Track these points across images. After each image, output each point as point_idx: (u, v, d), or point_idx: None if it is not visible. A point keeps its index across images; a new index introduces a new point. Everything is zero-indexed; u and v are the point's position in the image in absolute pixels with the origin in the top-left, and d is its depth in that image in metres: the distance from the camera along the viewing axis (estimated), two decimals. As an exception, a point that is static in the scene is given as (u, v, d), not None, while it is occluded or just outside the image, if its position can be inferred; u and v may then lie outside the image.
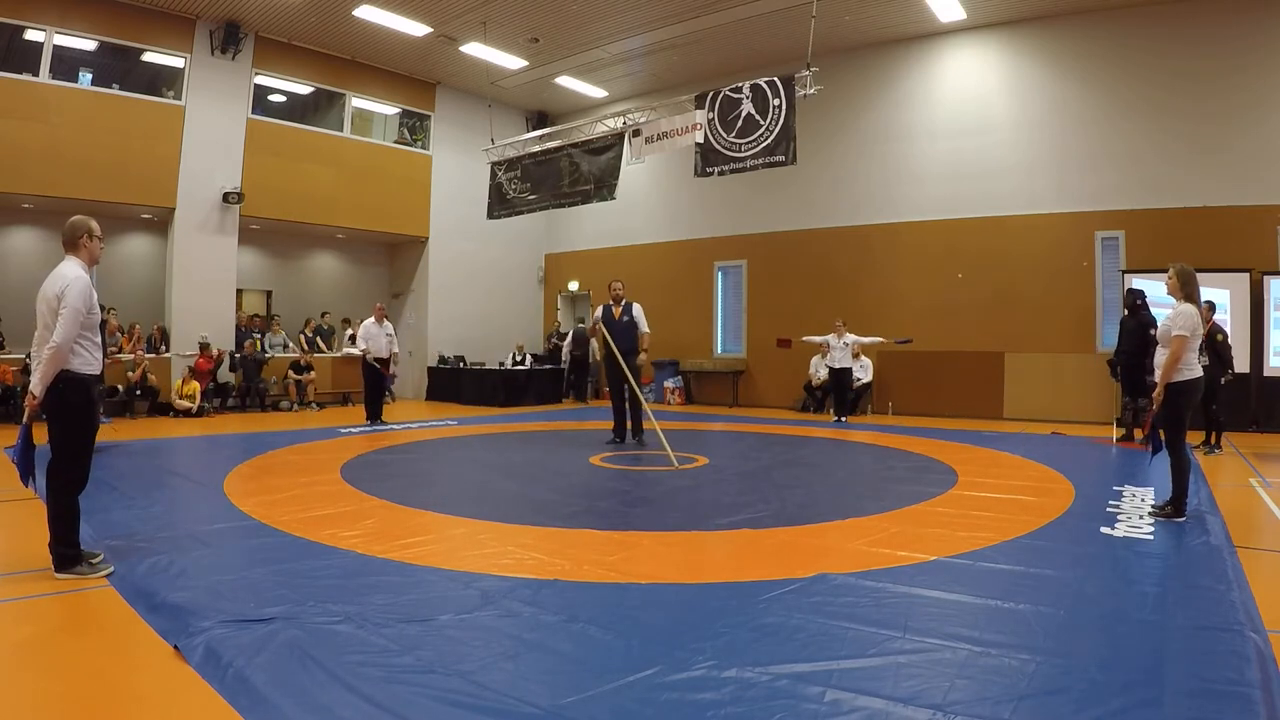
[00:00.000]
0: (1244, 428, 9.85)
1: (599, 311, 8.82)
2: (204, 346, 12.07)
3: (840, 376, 11.60)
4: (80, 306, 3.57)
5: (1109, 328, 11.16)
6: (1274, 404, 10.07)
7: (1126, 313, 8.91)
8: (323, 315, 14.77)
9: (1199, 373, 4.98)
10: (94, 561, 3.69)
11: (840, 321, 11.71)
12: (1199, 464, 7.23)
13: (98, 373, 3.73)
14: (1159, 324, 5.14)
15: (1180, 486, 4.96)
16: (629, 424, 8.72)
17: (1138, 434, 8.73)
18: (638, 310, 8.76)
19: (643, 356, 8.74)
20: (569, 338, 15.55)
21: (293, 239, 15.14)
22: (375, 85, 14.46)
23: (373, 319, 10.57)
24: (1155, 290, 9.95)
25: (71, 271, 3.66)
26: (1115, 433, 9.53)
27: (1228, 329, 9.43)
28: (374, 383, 10.65)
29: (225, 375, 12.41)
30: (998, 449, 8.31)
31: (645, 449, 8.20)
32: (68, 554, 3.61)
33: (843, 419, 11.37)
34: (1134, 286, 9.19)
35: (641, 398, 8.56)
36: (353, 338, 13.46)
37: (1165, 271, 5.17)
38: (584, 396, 15.60)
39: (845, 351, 11.56)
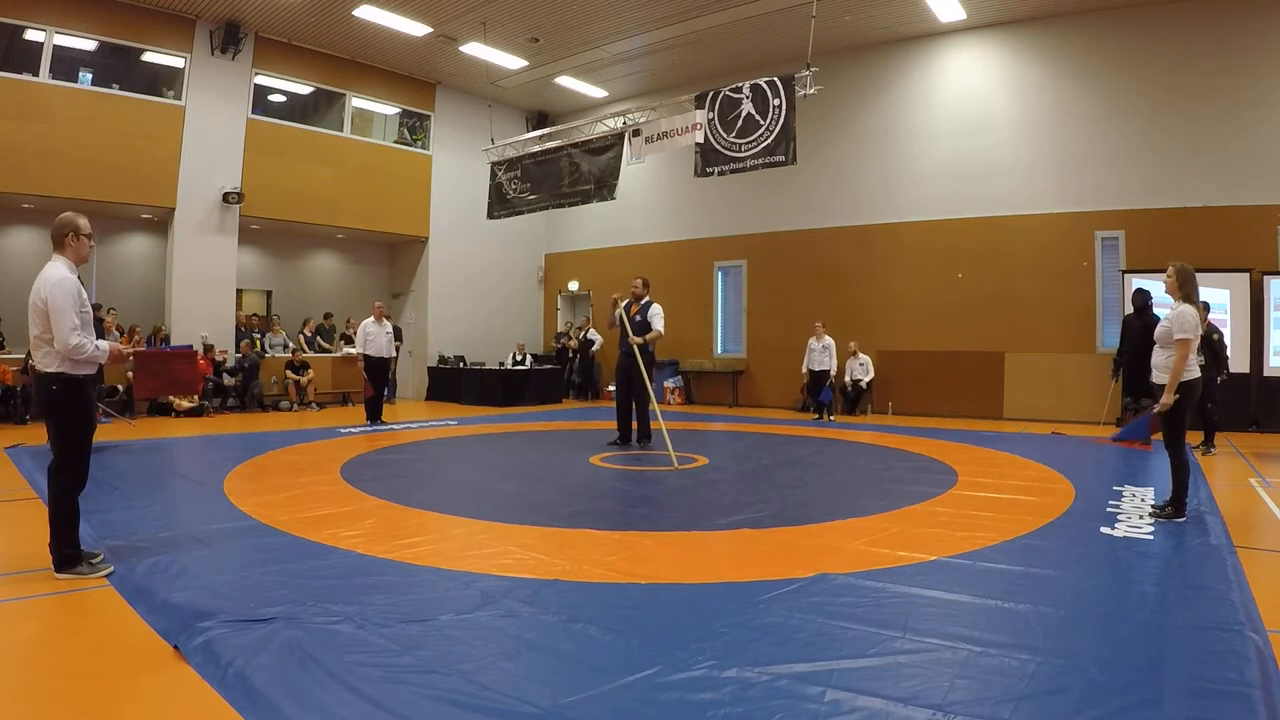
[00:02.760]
0: (1244, 428, 9.85)
1: (622, 305, 8.36)
2: (208, 348, 12.07)
3: (819, 379, 11.83)
4: (66, 307, 3.53)
5: (1109, 328, 11.16)
6: (1274, 404, 10.07)
7: (1133, 312, 8.91)
8: (326, 317, 14.74)
9: (1198, 373, 4.99)
10: (94, 561, 3.69)
11: (819, 323, 11.88)
12: (1199, 464, 7.23)
13: (92, 373, 3.73)
14: (1160, 325, 5.12)
15: (1180, 486, 4.95)
16: (634, 425, 8.48)
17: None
18: (654, 309, 8.42)
19: (637, 340, 8.11)
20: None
21: (293, 239, 15.13)
22: (375, 85, 14.46)
23: (372, 319, 10.53)
24: (1155, 290, 9.96)
25: (56, 273, 3.61)
26: (1115, 433, 9.50)
27: (1227, 329, 9.44)
28: (375, 384, 10.61)
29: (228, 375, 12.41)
30: (998, 449, 8.31)
31: (647, 450, 8.18)
32: (68, 554, 3.62)
33: (822, 418, 11.65)
34: (1141, 286, 9.20)
35: (651, 394, 8.26)
36: (346, 338, 13.59)
37: (1165, 271, 5.15)
38: (585, 396, 15.61)
39: (824, 354, 11.78)
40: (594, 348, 15.74)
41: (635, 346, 8.06)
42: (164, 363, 4.18)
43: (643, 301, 8.50)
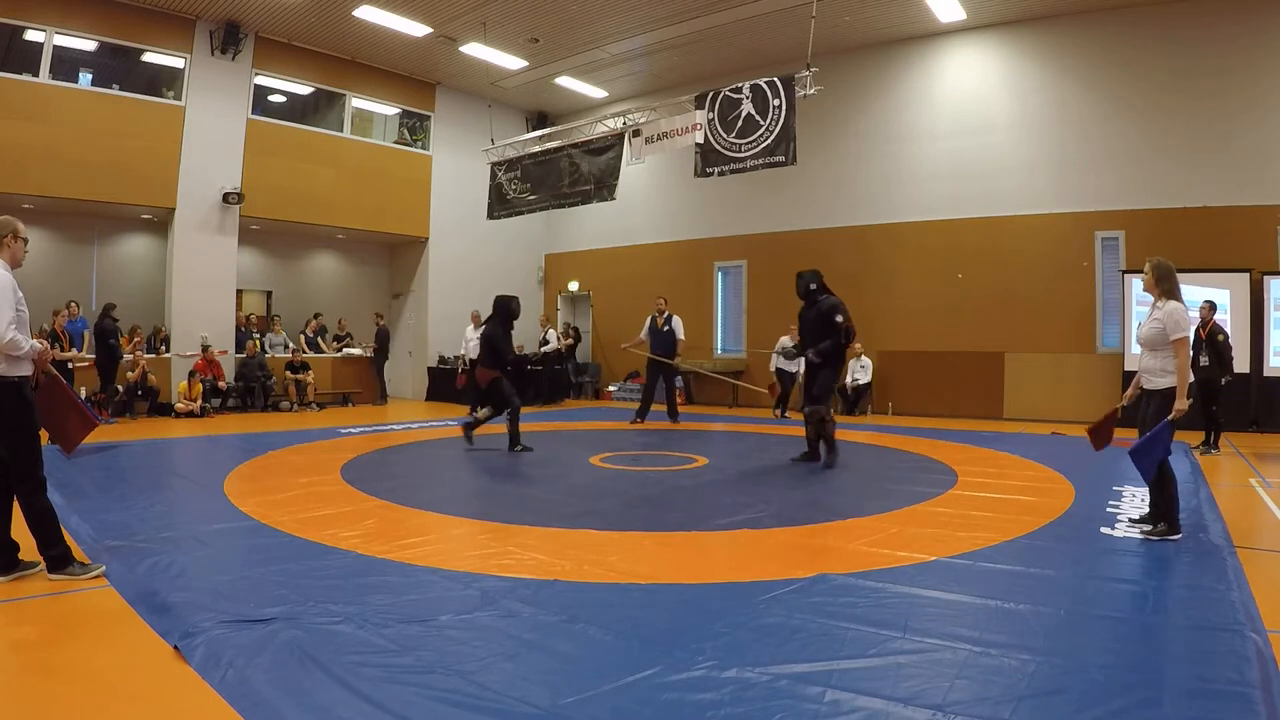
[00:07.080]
0: (1244, 428, 9.84)
1: (648, 321, 11.01)
2: (206, 348, 12.08)
3: (783, 378, 12.43)
4: (5, 302, 3.45)
5: (1109, 328, 11.17)
6: (1274, 404, 10.06)
7: (803, 305, 7.53)
8: (315, 316, 14.69)
9: (1191, 376, 4.64)
10: (85, 562, 3.70)
11: (794, 327, 12.17)
12: (1199, 464, 7.23)
13: (29, 374, 3.64)
14: (1144, 326, 4.60)
15: (1169, 496, 4.39)
16: (665, 406, 10.98)
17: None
18: (677, 322, 10.89)
19: (677, 360, 10.95)
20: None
21: (293, 239, 15.13)
22: (375, 85, 14.45)
23: (471, 325, 12.38)
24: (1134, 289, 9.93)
25: None
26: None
27: (1228, 329, 9.42)
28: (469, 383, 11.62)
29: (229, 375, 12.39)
30: (998, 449, 8.31)
31: (652, 450, 8.19)
32: (57, 555, 3.60)
33: (783, 415, 12.26)
34: (803, 272, 7.54)
35: (675, 387, 11.29)
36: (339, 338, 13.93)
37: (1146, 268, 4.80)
38: (581, 396, 15.60)
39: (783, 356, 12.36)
40: (550, 346, 14.68)
41: (665, 347, 10.74)
42: (69, 406, 4.04)
43: (665, 315, 10.80)
